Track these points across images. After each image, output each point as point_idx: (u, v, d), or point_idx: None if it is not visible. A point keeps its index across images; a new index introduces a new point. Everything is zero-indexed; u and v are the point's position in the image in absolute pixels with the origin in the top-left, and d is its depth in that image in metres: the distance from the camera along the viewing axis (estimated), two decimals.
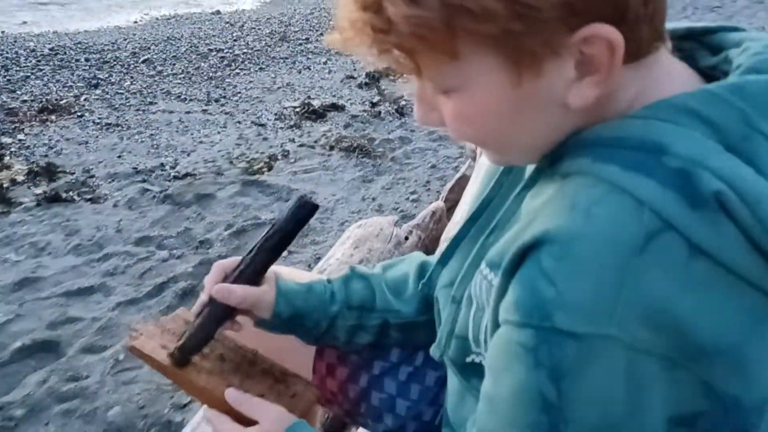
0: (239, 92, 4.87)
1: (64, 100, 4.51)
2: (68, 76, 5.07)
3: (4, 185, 3.26)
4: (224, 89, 4.93)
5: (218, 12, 7.70)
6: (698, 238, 0.46)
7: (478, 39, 0.49)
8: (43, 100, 4.50)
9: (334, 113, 4.38)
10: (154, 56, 5.66)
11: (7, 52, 5.54)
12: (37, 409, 1.90)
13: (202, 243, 2.83)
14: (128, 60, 5.54)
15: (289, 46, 6.14)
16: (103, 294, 2.48)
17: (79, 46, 5.89)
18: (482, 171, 0.75)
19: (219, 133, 4.10)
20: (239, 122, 4.28)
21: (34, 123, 4.15)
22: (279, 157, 3.73)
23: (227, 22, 7.04)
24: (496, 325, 0.54)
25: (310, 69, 5.49)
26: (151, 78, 5.13)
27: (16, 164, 3.51)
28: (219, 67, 5.45)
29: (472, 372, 0.67)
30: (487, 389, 0.54)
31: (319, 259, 2.48)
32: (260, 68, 5.48)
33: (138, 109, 4.47)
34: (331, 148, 3.84)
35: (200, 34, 6.50)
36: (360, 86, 4.97)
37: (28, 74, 5.07)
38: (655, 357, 0.47)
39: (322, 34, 6.60)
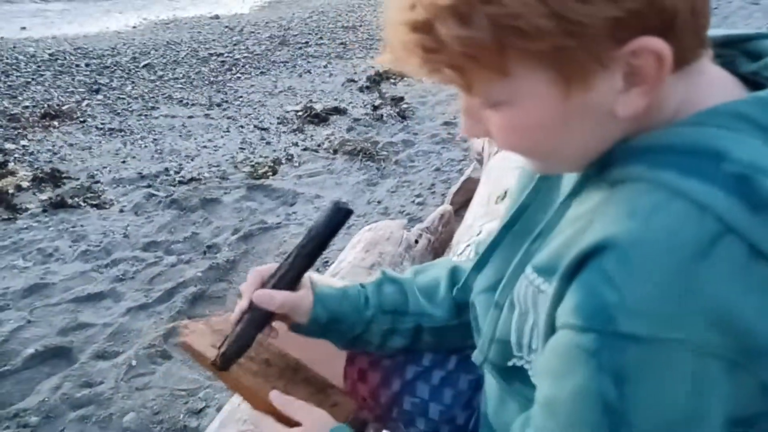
0: (241, 96, 4.88)
1: (66, 106, 4.51)
2: (69, 82, 5.07)
3: (10, 192, 3.26)
4: (226, 93, 4.94)
5: (217, 16, 7.69)
6: (758, 241, 0.47)
7: (528, 56, 0.51)
8: (45, 105, 4.50)
9: (336, 117, 4.39)
10: (155, 61, 5.66)
11: (7, 58, 5.53)
12: (52, 415, 1.90)
13: (209, 247, 2.84)
14: (129, 65, 5.53)
15: (289, 50, 6.14)
16: (113, 300, 2.49)
17: (78, 51, 5.88)
18: (517, 177, 0.77)
19: (222, 137, 4.10)
20: (242, 126, 4.28)
21: (36, 129, 4.14)
22: (283, 161, 3.74)
23: (226, 27, 7.04)
24: (550, 331, 0.55)
25: (310, 73, 5.50)
26: (153, 83, 5.13)
27: (21, 170, 3.51)
28: (220, 72, 5.46)
29: (514, 376, 0.68)
30: (544, 392, 0.55)
31: (327, 262, 2.49)
32: (261, 72, 5.49)
33: (140, 114, 4.47)
34: (335, 151, 3.85)
35: (200, 38, 6.50)
36: (361, 89, 4.99)
37: (29, 80, 5.06)
38: (718, 359, 0.48)
39: (321, 38, 6.61)
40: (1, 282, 2.57)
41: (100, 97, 4.78)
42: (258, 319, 0.82)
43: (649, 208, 0.50)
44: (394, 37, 0.54)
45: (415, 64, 0.54)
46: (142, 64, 5.57)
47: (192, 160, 3.76)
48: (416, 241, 2.25)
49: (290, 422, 0.78)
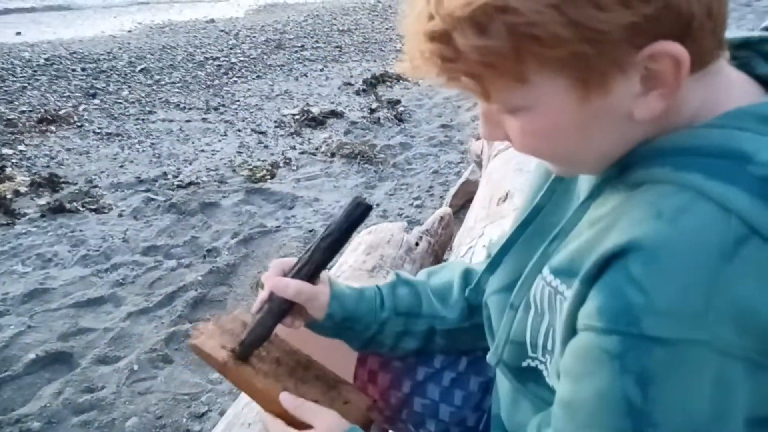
0: (238, 100, 4.88)
1: (63, 111, 4.50)
2: (65, 86, 5.06)
3: (8, 197, 3.25)
4: (222, 97, 4.94)
5: (212, 20, 7.70)
6: None
7: (546, 63, 0.51)
8: (42, 110, 4.49)
9: (333, 120, 4.40)
10: (151, 65, 5.66)
11: (3, 63, 5.52)
12: (54, 421, 1.90)
13: (209, 251, 2.84)
14: (125, 69, 5.53)
15: (285, 54, 6.15)
16: (114, 304, 2.48)
17: (74, 55, 5.87)
18: (530, 178, 0.77)
19: (220, 141, 4.11)
20: (239, 130, 4.29)
21: (33, 134, 4.14)
22: (281, 165, 3.74)
23: (222, 30, 7.05)
24: (570, 333, 0.55)
25: (307, 76, 5.51)
26: (149, 87, 5.13)
27: (19, 175, 3.51)
28: (216, 76, 5.46)
29: (528, 376, 0.68)
30: (564, 394, 0.56)
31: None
32: (257, 76, 5.49)
33: (137, 119, 4.47)
34: (333, 154, 3.86)
35: (196, 42, 6.50)
36: (358, 93, 5.00)
37: (25, 85, 5.06)
38: (742, 360, 0.48)
39: (317, 42, 6.62)
40: (1, 287, 2.56)
41: (96, 101, 4.78)
42: (276, 308, 0.83)
43: (674, 210, 0.50)
44: (412, 46, 0.55)
45: (433, 73, 0.54)
46: (138, 68, 5.57)
47: (190, 164, 3.76)
48: (417, 244, 2.26)
49: (301, 425, 0.78)
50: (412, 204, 3.28)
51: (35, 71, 5.38)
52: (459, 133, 4.13)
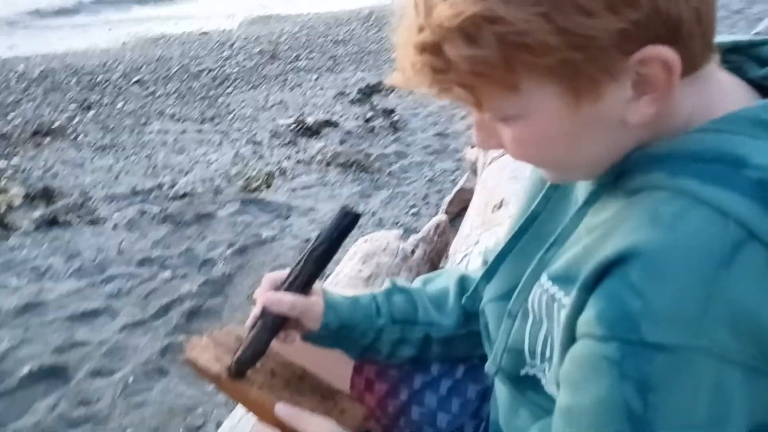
0: (233, 111, 4.89)
1: (57, 123, 4.50)
2: (60, 99, 5.06)
3: (2, 210, 3.24)
4: (217, 108, 4.94)
5: (206, 32, 7.72)
6: None
7: (537, 71, 0.51)
8: (36, 123, 4.49)
9: (328, 129, 4.40)
10: (146, 77, 5.66)
11: None
12: None
13: (205, 262, 2.83)
14: (119, 81, 5.53)
15: (279, 64, 6.16)
16: (109, 316, 2.47)
17: (68, 68, 5.88)
18: (525, 185, 0.77)
19: (215, 151, 4.10)
20: (234, 140, 4.29)
21: (28, 146, 4.13)
22: (276, 175, 3.74)
23: (216, 42, 7.07)
24: (569, 341, 0.55)
25: (301, 86, 5.52)
26: (144, 98, 5.13)
27: (13, 188, 3.49)
28: (211, 87, 5.47)
29: (527, 384, 0.67)
30: (564, 402, 0.55)
31: (325, 274, 2.48)
32: (252, 87, 5.50)
33: (132, 130, 4.47)
34: (328, 164, 3.86)
35: (190, 54, 6.52)
36: (352, 102, 5.00)
37: (20, 98, 5.05)
38: (741, 366, 0.48)
39: (311, 52, 6.64)
40: None
41: (91, 113, 4.78)
42: (271, 323, 0.82)
43: (671, 216, 0.50)
44: (403, 58, 0.55)
45: (425, 84, 0.55)
46: (132, 80, 5.57)
47: (185, 174, 3.76)
48: (413, 252, 2.25)
49: None
50: (407, 212, 3.28)
51: (30, 84, 5.39)
52: (454, 141, 4.14)
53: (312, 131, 4.35)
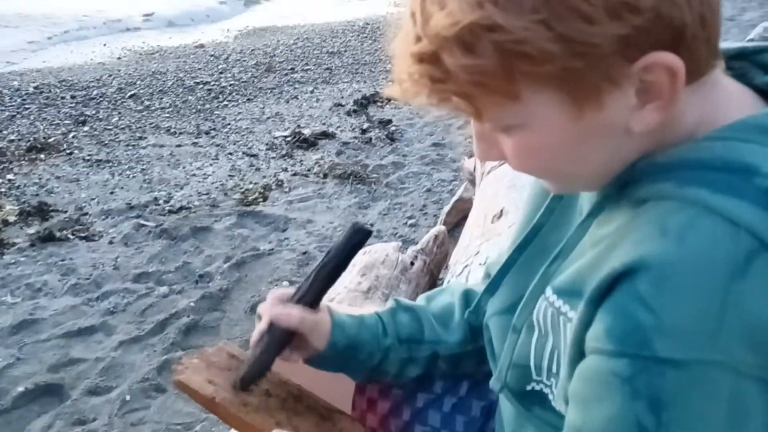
0: (228, 124, 4.87)
1: (52, 138, 4.48)
2: (55, 114, 5.04)
3: None
4: (213, 121, 4.93)
5: (202, 45, 7.72)
6: None
7: (537, 79, 0.50)
8: (31, 138, 4.46)
9: (325, 141, 4.39)
10: (141, 91, 5.65)
11: None
12: None
13: (201, 276, 2.80)
14: (114, 96, 5.52)
15: (275, 77, 6.16)
16: (105, 333, 2.44)
17: (63, 83, 5.86)
18: (525, 197, 0.75)
19: (211, 165, 4.08)
20: (230, 154, 4.27)
21: (22, 162, 4.11)
22: (273, 187, 3.72)
23: (212, 55, 7.06)
24: (577, 357, 0.53)
25: (297, 98, 5.51)
26: (139, 113, 5.12)
27: (7, 205, 3.47)
28: (207, 100, 5.45)
29: (533, 400, 0.65)
30: (574, 420, 0.53)
31: None
32: (248, 99, 5.49)
33: (128, 145, 4.45)
34: (325, 175, 3.84)
35: (185, 67, 6.51)
36: (349, 113, 5.00)
37: (14, 113, 5.03)
38: (757, 381, 0.46)
39: (307, 64, 6.64)
40: None
41: (86, 128, 4.76)
42: (277, 339, 0.81)
43: (681, 226, 0.49)
44: (401, 69, 0.54)
45: (423, 95, 0.53)
46: (128, 94, 5.56)
47: (181, 188, 3.73)
48: (412, 263, 2.23)
49: None
50: (406, 223, 3.26)
51: (24, 100, 5.36)
52: (451, 151, 4.13)
53: (308, 143, 4.34)
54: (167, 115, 5.08)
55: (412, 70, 0.52)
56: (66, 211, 3.43)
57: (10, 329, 2.44)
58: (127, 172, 3.98)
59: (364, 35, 7.91)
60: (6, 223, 3.27)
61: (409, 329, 0.87)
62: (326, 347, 0.82)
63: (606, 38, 0.47)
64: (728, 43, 0.60)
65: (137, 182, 3.83)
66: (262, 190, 3.66)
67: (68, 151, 4.30)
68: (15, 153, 4.23)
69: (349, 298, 1.95)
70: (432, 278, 2.28)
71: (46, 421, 1.98)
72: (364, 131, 4.54)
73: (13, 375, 2.18)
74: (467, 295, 0.89)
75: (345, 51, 7.17)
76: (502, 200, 1.91)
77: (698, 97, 0.54)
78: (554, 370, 0.61)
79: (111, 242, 3.12)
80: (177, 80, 5.99)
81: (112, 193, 3.69)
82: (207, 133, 4.68)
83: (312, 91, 5.68)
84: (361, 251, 2.32)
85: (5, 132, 4.61)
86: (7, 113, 5.02)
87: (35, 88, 5.69)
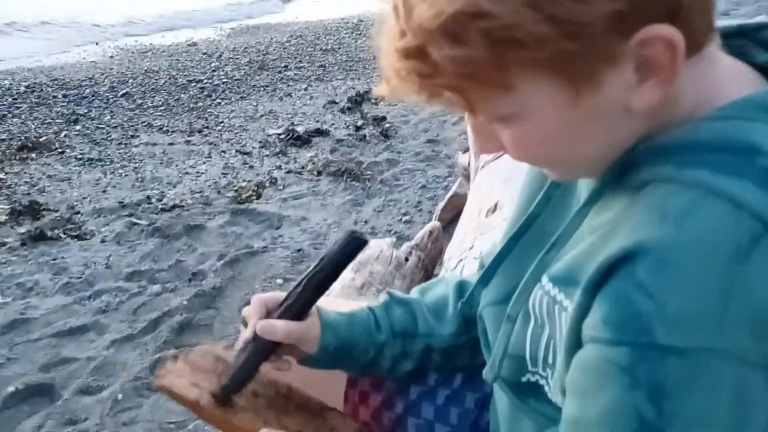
0: (222, 122, 4.84)
1: (44, 137, 4.44)
2: (46, 113, 5.00)
3: None
4: (206, 119, 4.90)
5: (195, 43, 7.68)
6: None
7: (530, 66, 0.48)
8: (22, 138, 4.43)
9: (319, 138, 4.36)
10: (133, 89, 5.62)
11: None
12: None
13: (195, 275, 2.78)
14: (107, 94, 5.48)
15: (268, 75, 6.13)
16: (97, 332, 2.41)
17: (55, 82, 5.83)
18: (521, 186, 0.74)
19: (204, 163, 4.06)
20: (224, 152, 4.24)
21: (14, 161, 4.07)
22: (267, 185, 3.69)
23: (204, 53, 7.03)
24: (574, 346, 0.51)
25: (291, 96, 5.48)
26: (132, 111, 5.09)
27: None
28: (199, 98, 5.42)
29: (529, 392, 0.64)
30: (571, 412, 0.51)
31: None
32: (241, 97, 5.46)
33: (120, 143, 4.41)
34: (319, 173, 3.82)
35: (178, 65, 6.48)
36: (343, 111, 4.98)
37: (5, 113, 4.99)
38: (758, 369, 0.45)
39: (300, 61, 6.62)
40: None
41: (78, 127, 4.72)
42: (262, 349, 0.78)
43: (681, 209, 0.47)
44: (388, 66, 0.52)
45: (413, 92, 0.51)
46: (120, 93, 5.53)
47: (174, 187, 3.71)
48: (406, 259, 2.21)
49: None
50: (400, 220, 3.24)
51: (15, 99, 5.33)
52: (446, 147, 4.11)
53: (302, 140, 4.32)
54: (160, 113, 5.05)
55: (398, 66, 0.50)
56: (57, 210, 3.40)
57: (1, 329, 2.41)
58: (120, 171, 3.95)
59: (358, 32, 7.90)
60: None
61: (403, 323, 0.85)
62: (317, 351, 0.80)
63: (598, 16, 0.45)
64: (727, 20, 0.58)
65: (130, 181, 3.80)
66: (255, 188, 3.63)
67: (60, 150, 4.27)
68: (6, 152, 4.19)
69: (343, 295, 1.93)
70: (426, 274, 2.26)
71: (37, 421, 1.95)
72: (358, 128, 4.52)
73: (4, 375, 2.15)
74: (461, 286, 0.87)
75: (339, 48, 7.15)
76: (497, 194, 1.90)
77: (697, 74, 0.52)
78: (550, 360, 0.60)
79: (103, 241, 3.10)
80: (170, 78, 5.96)
81: (104, 191, 3.66)
82: (200, 131, 4.65)
83: (306, 89, 5.66)
84: None
85: None
86: None
87: (27, 87, 5.66)
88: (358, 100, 5.12)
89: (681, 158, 0.49)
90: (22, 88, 5.60)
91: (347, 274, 2.06)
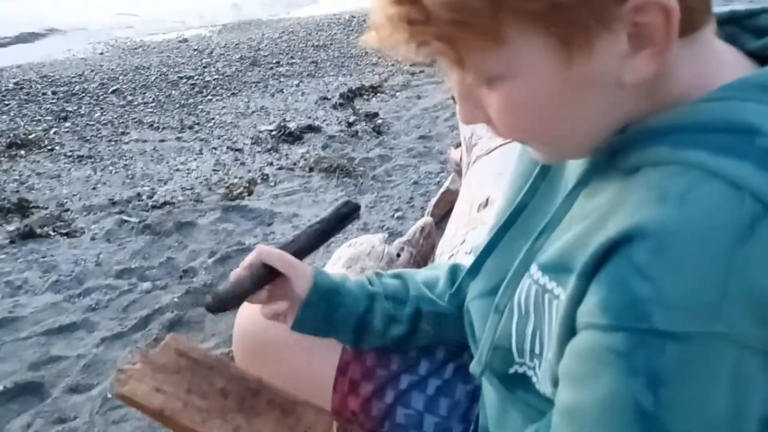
0: (213, 118, 4.81)
1: (33, 135, 4.40)
2: (36, 110, 4.96)
3: None
4: (197, 116, 4.87)
5: (186, 40, 7.63)
6: None
7: (524, 18, 0.47)
8: (11, 135, 4.39)
9: (310, 135, 4.34)
10: (123, 86, 5.58)
11: None
12: None
13: (186, 272, 2.76)
14: (97, 91, 5.44)
15: (260, 71, 6.10)
16: (86, 330, 2.39)
17: (44, 79, 5.77)
18: (510, 178, 0.73)
19: (195, 159, 4.03)
20: (215, 148, 4.22)
21: (2, 159, 4.03)
22: (258, 181, 3.67)
23: (195, 49, 6.98)
24: (568, 334, 0.50)
25: (283, 92, 5.45)
26: (122, 108, 5.05)
27: None
28: (190, 95, 5.39)
29: (517, 383, 0.63)
30: (566, 400, 0.50)
31: None
32: (232, 93, 5.43)
33: (110, 140, 4.38)
34: (311, 169, 3.80)
35: (169, 62, 6.43)
36: (335, 107, 4.95)
37: None
38: (757, 353, 0.44)
39: (292, 57, 6.59)
40: None
41: (68, 124, 4.68)
42: (256, 272, 0.82)
43: (680, 191, 0.45)
44: (378, 12, 0.50)
45: (402, 40, 0.50)
46: (110, 89, 5.48)
47: (165, 183, 3.68)
48: (398, 255, 2.20)
49: None
50: (393, 216, 3.23)
51: (4, 96, 5.28)
52: (438, 143, 4.10)
53: (294, 137, 4.29)
54: (150, 110, 5.02)
55: (389, 12, 0.49)
56: (47, 208, 3.37)
57: None
58: (110, 168, 3.92)
59: (350, 28, 7.86)
60: None
61: (395, 287, 0.88)
62: (310, 291, 0.82)
63: None
64: (718, 7, 0.57)
65: (120, 178, 3.78)
66: (247, 185, 3.61)
67: (49, 147, 4.23)
68: None
69: None
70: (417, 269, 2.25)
71: (26, 420, 1.93)
72: (350, 124, 4.50)
73: None
74: (454, 271, 0.89)
75: (331, 44, 7.12)
76: (489, 189, 1.89)
77: (691, 55, 0.51)
78: (537, 350, 0.59)
79: (93, 238, 3.07)
80: (160, 75, 5.92)
81: (94, 189, 3.63)
82: (191, 127, 4.62)
83: (297, 85, 5.63)
84: (346, 244, 2.30)
85: None
86: None
87: (15, 83, 5.60)
88: (350, 96, 5.09)
89: (677, 139, 0.48)
90: (11, 85, 5.55)
91: (339, 270, 2.05)
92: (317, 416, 0.81)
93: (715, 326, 0.43)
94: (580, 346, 0.49)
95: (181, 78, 5.82)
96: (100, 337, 2.33)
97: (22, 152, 4.13)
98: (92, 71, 6.06)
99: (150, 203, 3.40)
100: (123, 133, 4.51)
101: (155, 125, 4.67)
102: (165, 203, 3.39)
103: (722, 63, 0.52)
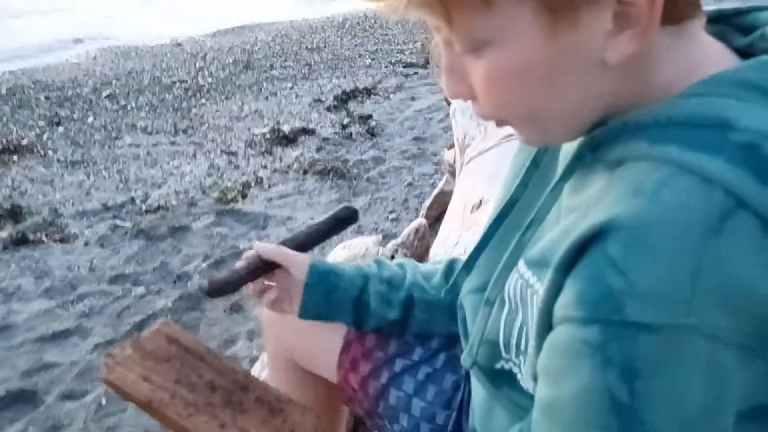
0: (206, 122, 4.81)
1: (26, 140, 4.38)
2: (28, 116, 4.94)
3: None
4: (191, 120, 4.86)
5: (179, 44, 7.63)
6: None
7: None
8: (4, 141, 4.36)
9: (304, 137, 4.34)
10: (117, 90, 5.57)
11: None
12: None
13: (180, 277, 2.75)
14: (90, 96, 5.43)
15: (253, 74, 6.10)
16: (80, 336, 2.38)
17: (37, 84, 5.76)
18: (505, 178, 0.73)
19: (189, 163, 4.02)
20: (209, 152, 4.21)
21: None
22: (252, 185, 3.67)
23: (189, 53, 6.98)
24: (545, 329, 0.50)
25: (276, 95, 5.45)
26: (115, 112, 5.04)
27: None
28: (184, 98, 5.38)
29: (502, 380, 0.63)
30: (543, 396, 0.50)
31: None
32: (226, 97, 5.42)
33: (103, 145, 4.37)
34: (305, 172, 3.80)
35: (162, 66, 6.43)
36: (328, 109, 4.95)
37: None
38: (733, 346, 0.44)
39: (286, 60, 6.59)
40: None
41: (61, 129, 4.67)
42: (252, 264, 0.87)
43: (653, 186, 0.46)
44: None
45: None
46: (103, 94, 5.47)
47: (158, 188, 3.67)
48: (392, 257, 2.20)
49: None
50: (387, 218, 3.23)
51: None
52: (432, 144, 4.10)
53: (288, 140, 4.29)
54: (144, 114, 5.01)
55: None
56: (40, 213, 3.36)
57: None
58: (103, 173, 3.91)
59: (344, 30, 7.87)
60: None
61: (393, 272, 0.92)
62: (308, 273, 0.87)
63: None
64: (707, 7, 0.57)
65: (113, 182, 3.76)
66: (241, 188, 3.60)
67: (42, 153, 4.21)
68: None
69: None
70: None
71: (19, 428, 1.92)
72: (344, 126, 4.50)
73: None
74: (451, 264, 0.92)
75: (324, 47, 7.12)
76: (482, 190, 1.89)
77: (677, 45, 0.51)
78: (522, 347, 0.59)
79: (86, 244, 3.06)
80: (153, 79, 5.91)
81: (87, 194, 3.62)
82: (184, 131, 4.61)
83: (291, 88, 5.63)
84: (340, 246, 2.30)
85: None
86: None
87: (8, 89, 5.59)
88: (344, 99, 5.10)
89: (654, 134, 0.49)
90: (3, 91, 5.54)
91: None
92: (303, 416, 0.80)
93: (688, 318, 0.43)
94: (556, 340, 0.49)
95: (174, 82, 5.81)
96: (93, 343, 2.32)
97: (15, 158, 4.12)
98: (85, 76, 6.05)
99: (143, 208, 3.39)
100: (116, 138, 4.50)
101: (149, 129, 4.66)
102: (159, 207, 3.38)
103: (708, 56, 0.53)
